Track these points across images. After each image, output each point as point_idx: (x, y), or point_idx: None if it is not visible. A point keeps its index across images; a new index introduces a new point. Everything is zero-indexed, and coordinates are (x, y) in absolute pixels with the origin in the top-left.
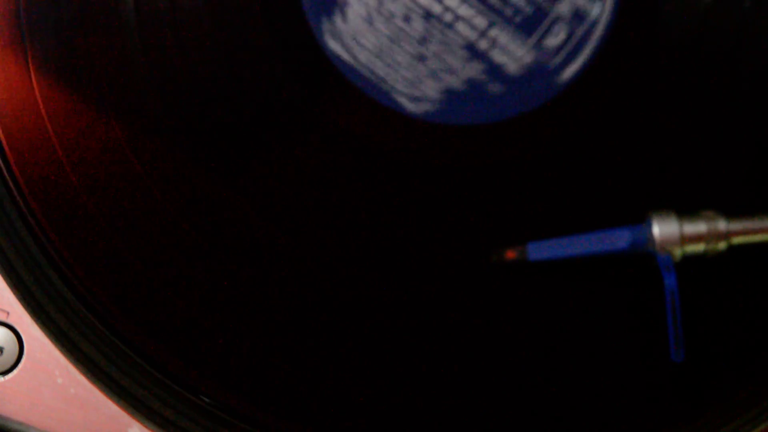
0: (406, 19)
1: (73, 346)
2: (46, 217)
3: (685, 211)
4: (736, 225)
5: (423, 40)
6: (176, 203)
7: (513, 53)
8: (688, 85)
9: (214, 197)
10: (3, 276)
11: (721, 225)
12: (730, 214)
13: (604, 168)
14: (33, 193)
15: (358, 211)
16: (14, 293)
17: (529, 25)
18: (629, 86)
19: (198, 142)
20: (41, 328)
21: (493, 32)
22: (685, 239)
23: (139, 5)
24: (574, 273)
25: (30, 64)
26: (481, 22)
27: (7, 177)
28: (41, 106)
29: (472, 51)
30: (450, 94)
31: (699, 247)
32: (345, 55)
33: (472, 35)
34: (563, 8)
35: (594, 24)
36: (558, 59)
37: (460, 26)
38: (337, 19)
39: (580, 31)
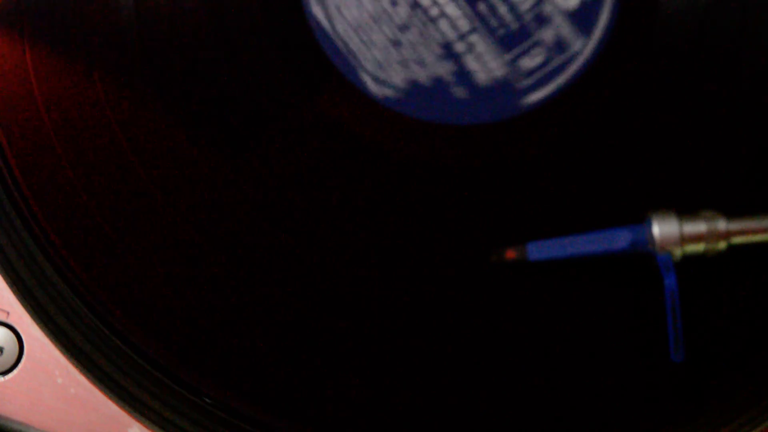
0: (393, 2)
1: (73, 346)
2: (46, 217)
3: (685, 211)
4: (736, 225)
5: (403, 27)
6: (176, 203)
7: (486, 63)
8: (688, 85)
9: (214, 197)
10: (3, 276)
11: (721, 225)
12: (730, 214)
13: (604, 168)
14: (33, 194)
15: (358, 212)
16: (14, 293)
17: (510, 40)
18: (629, 86)
19: (199, 138)
20: (41, 328)
21: (473, 38)
22: (685, 239)
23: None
24: (574, 273)
25: (30, 67)
26: (464, 24)
27: (7, 177)
28: (41, 106)
29: (448, 50)
30: (414, 86)
31: (699, 247)
32: (324, 22)
33: (451, 35)
34: (547, 34)
35: (573, 57)
36: (527, 82)
37: (443, 23)
38: None
39: (557, 61)
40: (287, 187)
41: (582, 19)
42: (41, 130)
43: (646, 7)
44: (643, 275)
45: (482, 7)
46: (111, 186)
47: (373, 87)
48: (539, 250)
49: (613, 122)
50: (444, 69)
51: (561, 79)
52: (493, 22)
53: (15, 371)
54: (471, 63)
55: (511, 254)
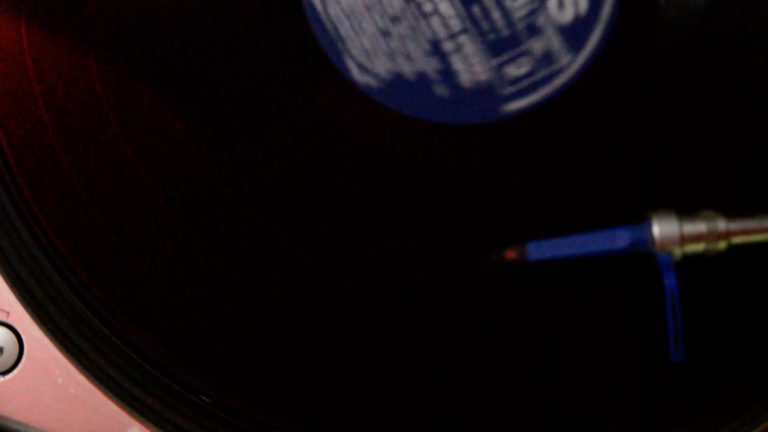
0: None
1: (73, 346)
2: (46, 217)
3: (685, 211)
4: (736, 225)
5: (395, 19)
6: (177, 203)
7: (472, 66)
8: (688, 85)
9: (214, 197)
10: (3, 276)
11: (721, 225)
12: (730, 213)
13: (604, 168)
14: (33, 193)
15: (358, 212)
16: (14, 293)
17: (499, 46)
18: (629, 86)
19: (197, 134)
20: (41, 328)
21: (463, 39)
22: (685, 239)
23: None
24: (574, 273)
25: (30, 67)
26: (455, 24)
27: (7, 177)
28: (41, 106)
29: (436, 48)
30: (397, 79)
31: (699, 247)
32: (318, 3)
33: (442, 33)
34: (537, 45)
35: (558, 72)
36: (510, 90)
37: (435, 21)
38: None
39: (542, 73)
40: (284, 183)
41: (574, 34)
42: (41, 130)
43: (639, 24)
44: (643, 275)
45: (476, 9)
46: (111, 186)
47: (356, 74)
48: (539, 250)
49: (613, 122)
50: (429, 66)
51: (544, 91)
52: (485, 26)
53: (15, 371)
54: (457, 63)
55: (511, 254)
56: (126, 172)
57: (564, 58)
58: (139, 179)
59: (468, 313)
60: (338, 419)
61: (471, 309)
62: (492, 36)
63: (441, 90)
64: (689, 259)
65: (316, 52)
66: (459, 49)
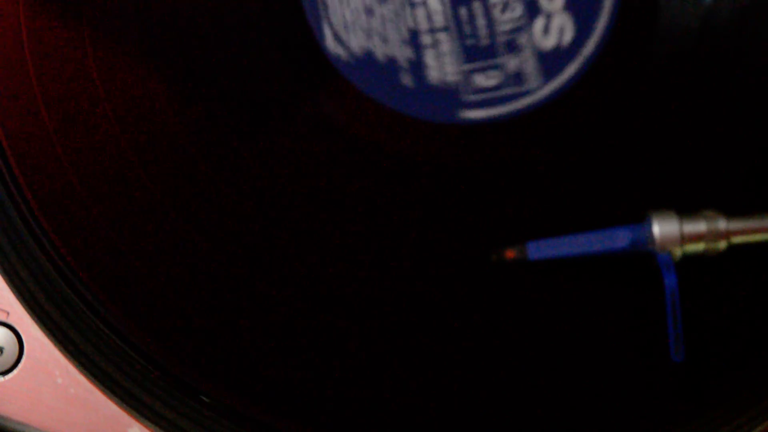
0: None
1: (73, 346)
2: (46, 217)
3: (685, 210)
4: (736, 224)
5: (383, 0)
6: (177, 203)
7: (443, 64)
8: (688, 85)
9: (214, 196)
10: (3, 276)
11: (721, 224)
12: (730, 213)
13: (604, 168)
14: (33, 194)
15: (358, 212)
16: (14, 293)
17: (475, 53)
18: (630, 86)
19: (199, 135)
20: (41, 328)
21: (442, 36)
22: (685, 238)
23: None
24: (574, 273)
25: (31, 66)
26: (439, 20)
27: (8, 177)
28: (41, 105)
29: (414, 38)
30: (367, 57)
31: (699, 247)
32: None
33: (423, 25)
34: (512, 62)
35: (524, 93)
36: (473, 98)
37: (420, 11)
38: None
39: (508, 90)
40: (284, 182)
41: (550, 62)
42: (42, 130)
43: (622, 60)
44: (643, 275)
45: (463, 11)
46: (111, 186)
47: (330, 42)
48: (539, 250)
49: (613, 122)
50: (402, 53)
51: (504, 109)
52: (467, 30)
53: (15, 371)
54: (429, 58)
55: (511, 254)
56: (126, 172)
57: (534, 82)
58: (139, 179)
59: (468, 313)
60: (338, 419)
61: (471, 309)
62: (471, 41)
63: (407, 79)
64: (689, 259)
65: (316, 52)
66: (435, 44)
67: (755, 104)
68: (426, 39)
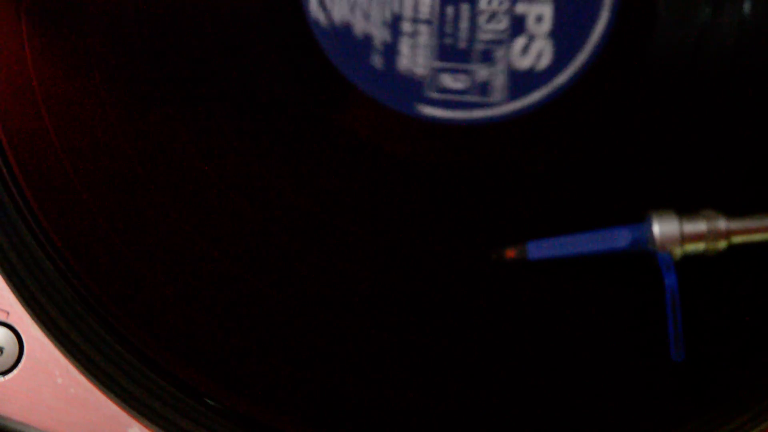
0: None
1: (73, 346)
2: (46, 217)
3: (685, 210)
4: (736, 224)
5: None
6: (179, 204)
7: (416, 56)
8: (688, 84)
9: (214, 196)
10: (3, 276)
11: (721, 224)
12: (730, 213)
13: (604, 168)
14: (33, 193)
15: (359, 211)
16: (14, 293)
17: (449, 53)
18: (630, 86)
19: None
20: (41, 328)
21: (423, 28)
22: (685, 238)
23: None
24: (574, 272)
25: (30, 66)
26: (424, 12)
27: (8, 177)
28: (41, 104)
29: (395, 23)
30: (345, 31)
31: (699, 246)
32: None
33: (408, 13)
34: (482, 72)
35: (486, 105)
36: (435, 95)
37: (408, 0)
38: None
39: (471, 98)
40: (289, 186)
41: (520, 83)
42: (42, 130)
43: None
44: (643, 275)
45: (450, 10)
46: (111, 186)
47: (314, 6)
48: (539, 249)
49: (613, 122)
50: (380, 34)
51: (461, 114)
52: (448, 29)
53: (15, 371)
54: (404, 46)
55: (511, 253)
56: (127, 172)
57: (498, 97)
58: (139, 179)
59: (468, 312)
60: (338, 419)
61: (471, 308)
62: (449, 41)
63: (376, 61)
64: (689, 259)
65: (317, 54)
66: (414, 35)
67: (755, 104)
68: (406, 26)
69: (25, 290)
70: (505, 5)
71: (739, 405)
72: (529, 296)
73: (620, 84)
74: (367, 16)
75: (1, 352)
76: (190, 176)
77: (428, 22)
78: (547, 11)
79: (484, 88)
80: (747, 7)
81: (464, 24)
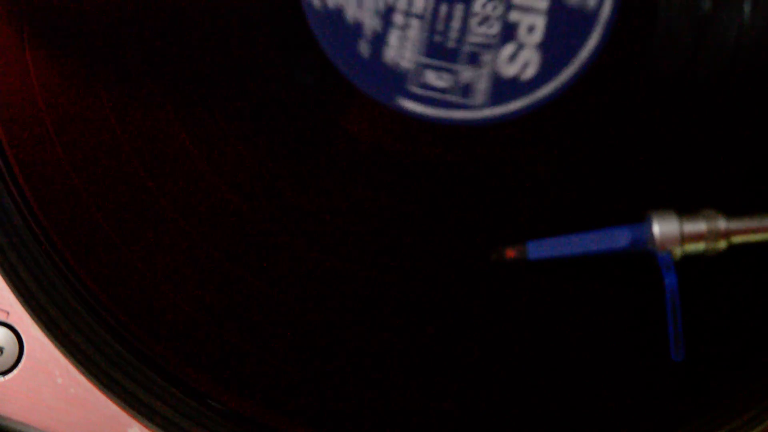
0: None
1: (73, 346)
2: (46, 217)
3: (685, 210)
4: (736, 224)
5: None
6: (179, 203)
7: (403, 48)
8: (687, 84)
9: (214, 196)
10: (3, 276)
11: (721, 224)
12: (730, 213)
13: (604, 168)
14: (33, 193)
15: (359, 211)
16: (14, 293)
17: (437, 51)
18: (630, 86)
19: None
20: (41, 328)
21: (414, 23)
22: (685, 238)
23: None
24: (574, 272)
25: (31, 66)
26: (418, 7)
27: (7, 177)
28: (41, 104)
29: (387, 13)
30: (337, 14)
31: (699, 246)
32: None
33: (401, 5)
34: (467, 73)
35: (465, 107)
36: (416, 90)
37: None
38: None
39: (452, 98)
40: (289, 186)
41: (503, 90)
42: (42, 129)
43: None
44: (643, 275)
45: (443, 8)
46: (111, 186)
47: None
48: (539, 249)
49: (613, 122)
50: (370, 23)
51: (439, 113)
52: (439, 26)
53: (15, 371)
54: (393, 37)
55: (510, 253)
56: (126, 172)
57: (479, 100)
58: (139, 179)
59: (468, 312)
60: (338, 419)
61: (471, 309)
62: (438, 38)
63: (363, 48)
64: (689, 259)
65: (315, 50)
66: (405, 27)
67: (755, 104)
68: (398, 18)
69: (25, 290)
70: (499, 11)
71: (739, 405)
72: (529, 296)
73: (620, 83)
74: (360, 3)
75: (1, 352)
76: (190, 176)
77: (420, 17)
78: (540, 22)
79: (466, 89)
80: (747, 7)
81: (456, 24)
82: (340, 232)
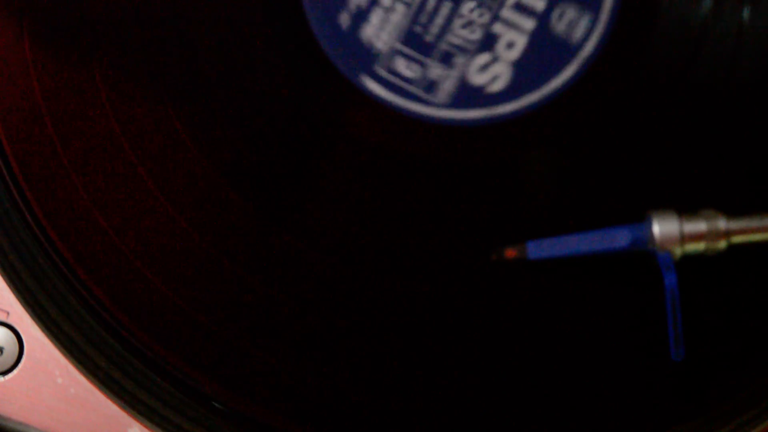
0: None
1: (73, 346)
2: (46, 216)
3: (685, 210)
4: (736, 224)
5: None
6: (179, 203)
7: (382, 30)
8: (688, 84)
9: (214, 195)
10: (3, 276)
11: (721, 224)
12: (730, 213)
13: (604, 168)
14: (33, 193)
15: (359, 211)
16: (14, 293)
17: (414, 41)
18: (630, 86)
19: (201, 139)
20: (41, 328)
21: (399, 7)
22: (685, 238)
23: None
24: (574, 272)
25: (31, 66)
26: None
27: (7, 177)
28: (41, 104)
29: None
30: None
31: (699, 246)
32: None
33: None
34: (436, 70)
35: (426, 102)
36: (383, 74)
37: None
38: None
39: (415, 89)
40: (290, 187)
41: (467, 96)
42: (42, 130)
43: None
44: (643, 275)
45: (432, 1)
46: (111, 186)
47: None
48: (539, 249)
49: (613, 122)
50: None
51: (399, 101)
52: (423, 18)
53: (15, 371)
54: (375, 17)
55: (511, 253)
56: (126, 172)
57: (440, 99)
58: (139, 179)
59: (468, 312)
60: (338, 419)
61: (471, 308)
62: (418, 29)
63: (344, 21)
64: (689, 259)
65: (317, 53)
66: (389, 10)
67: (755, 104)
68: (386, 0)
69: (25, 290)
70: (485, 19)
71: (739, 405)
72: (529, 296)
73: (621, 83)
74: None
75: (1, 352)
76: (191, 176)
77: (408, 3)
78: (521, 41)
79: (431, 85)
80: (746, 8)
81: (439, 20)
82: (340, 231)
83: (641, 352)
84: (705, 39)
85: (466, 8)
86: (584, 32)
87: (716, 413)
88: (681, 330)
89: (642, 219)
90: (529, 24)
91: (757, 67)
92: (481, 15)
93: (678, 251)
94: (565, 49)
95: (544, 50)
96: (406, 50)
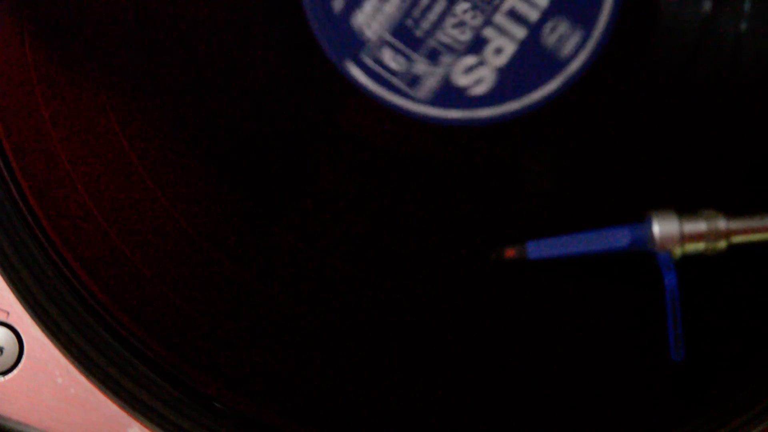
0: None
1: (73, 346)
2: (45, 216)
3: (685, 210)
4: (736, 224)
5: None
6: (179, 203)
7: (373, 19)
8: (688, 84)
9: (214, 196)
10: (3, 276)
11: (721, 224)
12: (730, 213)
13: (604, 168)
14: (33, 193)
15: (359, 211)
16: (14, 293)
17: (404, 35)
18: (630, 86)
19: (199, 139)
20: (41, 328)
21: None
22: (685, 238)
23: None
24: (574, 272)
25: (31, 66)
26: None
27: (7, 177)
28: (42, 105)
29: None
30: None
31: (699, 246)
32: None
33: None
34: (421, 66)
35: (405, 96)
36: (369, 63)
37: None
38: None
39: (398, 83)
40: (290, 187)
41: (448, 96)
42: (42, 129)
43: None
44: (643, 275)
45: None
46: (111, 186)
47: None
48: (539, 249)
49: (613, 122)
50: None
51: (380, 91)
52: (416, 13)
53: (15, 371)
54: (369, 5)
55: (510, 253)
56: (126, 172)
57: (421, 95)
58: (139, 179)
59: (468, 312)
60: (338, 420)
61: (471, 308)
62: (410, 23)
63: (337, 5)
64: (689, 259)
65: (317, 52)
66: (383, 1)
67: (755, 104)
68: None
69: (25, 290)
70: (477, 22)
71: (739, 405)
72: (529, 296)
73: (621, 83)
74: None
75: (1, 352)
76: (190, 176)
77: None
78: (509, 48)
79: (414, 80)
80: (746, 7)
81: (432, 17)
82: (340, 231)
83: (641, 352)
84: (706, 36)
85: (460, 8)
86: (574, 48)
87: (716, 413)
88: (681, 330)
89: (642, 219)
90: (520, 33)
91: (758, 67)
92: (474, 17)
93: (678, 251)
94: (552, 63)
95: (532, 61)
96: (395, 42)
